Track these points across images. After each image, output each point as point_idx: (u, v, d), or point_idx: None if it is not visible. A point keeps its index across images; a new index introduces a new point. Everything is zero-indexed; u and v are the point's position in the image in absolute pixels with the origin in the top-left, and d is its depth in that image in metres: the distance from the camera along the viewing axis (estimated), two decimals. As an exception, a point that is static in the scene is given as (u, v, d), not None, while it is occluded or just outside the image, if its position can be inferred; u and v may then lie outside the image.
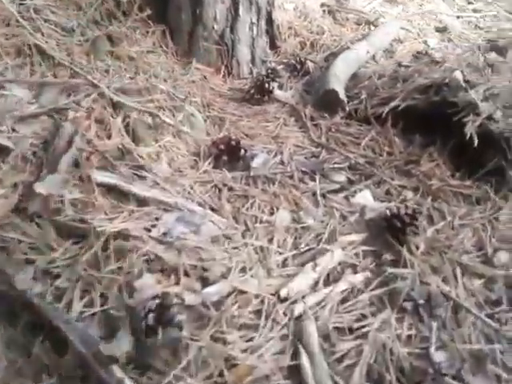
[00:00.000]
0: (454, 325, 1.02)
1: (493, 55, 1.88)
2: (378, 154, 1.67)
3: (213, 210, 1.20)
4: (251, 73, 2.10)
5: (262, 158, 1.42)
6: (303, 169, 1.45)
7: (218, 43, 2.03)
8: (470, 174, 1.61)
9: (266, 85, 1.87)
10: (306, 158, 1.54)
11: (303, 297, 1.00)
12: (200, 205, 1.19)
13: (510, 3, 3.29)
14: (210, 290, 0.97)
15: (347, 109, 1.80)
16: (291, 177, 1.42)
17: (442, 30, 2.79)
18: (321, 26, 2.44)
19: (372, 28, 2.62)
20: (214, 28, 2.01)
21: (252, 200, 1.26)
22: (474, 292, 1.14)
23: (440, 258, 1.22)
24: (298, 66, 2.17)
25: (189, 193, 1.20)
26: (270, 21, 2.27)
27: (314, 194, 1.36)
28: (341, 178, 1.46)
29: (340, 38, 2.38)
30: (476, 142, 1.50)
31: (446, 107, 1.65)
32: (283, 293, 1.00)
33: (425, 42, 2.63)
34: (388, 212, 1.29)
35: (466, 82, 1.67)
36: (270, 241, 1.14)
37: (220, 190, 1.27)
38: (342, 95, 1.82)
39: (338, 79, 1.92)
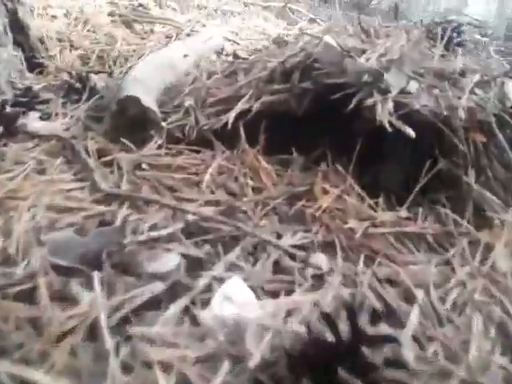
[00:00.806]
0: None
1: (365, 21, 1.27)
2: (239, 193, 0.87)
3: None
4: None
5: None
6: (63, 263, 0.55)
7: None
8: (398, 196, 0.90)
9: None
10: (77, 229, 0.65)
11: None
12: None
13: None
14: None
15: (164, 126, 0.98)
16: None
17: (279, 42, 2.24)
18: (111, 35, 1.65)
19: (188, 39, 1.94)
20: None
21: None
22: None
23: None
24: (79, 86, 1.32)
25: None
26: (18, 26, 1.40)
27: (96, 325, 0.47)
28: (168, 260, 0.60)
29: (142, 48, 1.61)
30: (411, 132, 0.80)
31: (327, 93, 0.95)
32: None
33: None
34: (304, 329, 0.46)
35: (345, 51, 1.00)
36: None
37: None
38: (150, 103, 1.00)
39: (141, 84, 1.10)
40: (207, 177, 0.90)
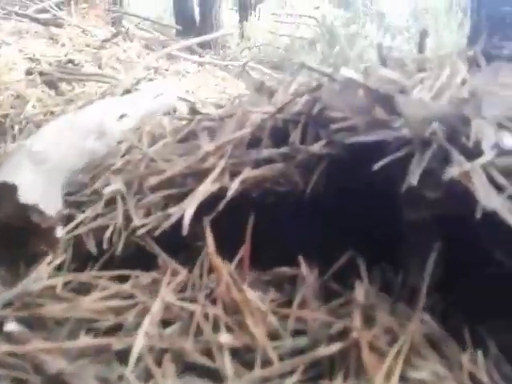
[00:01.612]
0: None
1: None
2: (210, 368, 0.41)
3: None
4: None
5: None
6: None
7: None
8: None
9: None
10: None
11: None
12: None
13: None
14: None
15: (60, 235, 0.53)
16: None
17: (262, 88, 1.89)
18: (21, 96, 1.22)
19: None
20: None
21: None
22: None
23: None
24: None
25: None
26: None
27: None
28: None
29: (63, 110, 1.18)
30: None
31: (352, 159, 0.55)
32: None
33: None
34: None
35: (380, 89, 0.60)
36: None
37: None
38: (35, 195, 0.55)
39: (36, 162, 0.66)
40: (142, 332, 0.44)
